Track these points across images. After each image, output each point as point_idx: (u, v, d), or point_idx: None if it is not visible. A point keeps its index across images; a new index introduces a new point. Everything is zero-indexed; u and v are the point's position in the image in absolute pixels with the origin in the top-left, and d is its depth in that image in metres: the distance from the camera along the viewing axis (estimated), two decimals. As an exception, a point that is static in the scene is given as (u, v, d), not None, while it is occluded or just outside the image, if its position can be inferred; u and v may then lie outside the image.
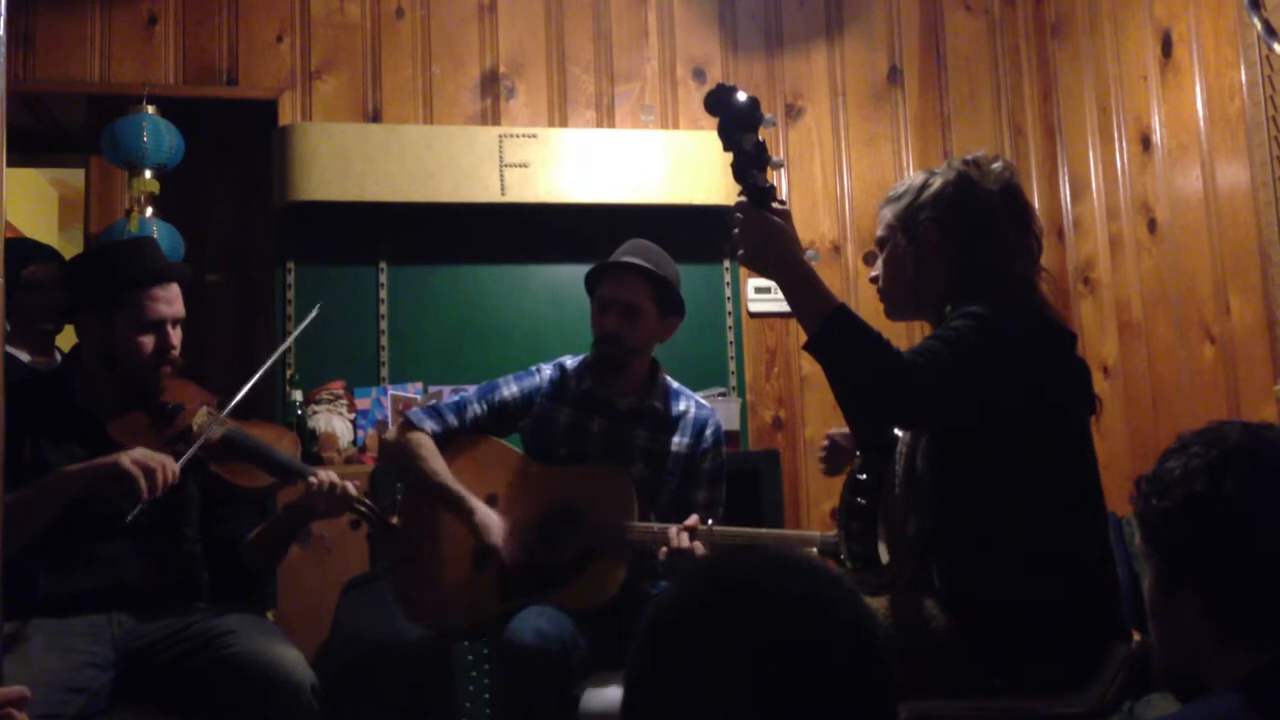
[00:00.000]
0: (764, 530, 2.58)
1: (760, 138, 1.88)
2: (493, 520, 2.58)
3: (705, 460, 2.75)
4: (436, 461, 2.66)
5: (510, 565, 2.55)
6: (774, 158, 1.90)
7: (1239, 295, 3.21)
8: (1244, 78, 3.15)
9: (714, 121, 1.90)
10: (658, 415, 2.74)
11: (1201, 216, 3.36)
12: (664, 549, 2.46)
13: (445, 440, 2.71)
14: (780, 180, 4.19)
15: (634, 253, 2.73)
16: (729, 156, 1.89)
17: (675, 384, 2.84)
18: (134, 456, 2.18)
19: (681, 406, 2.78)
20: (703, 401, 2.84)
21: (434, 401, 2.93)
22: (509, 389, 2.80)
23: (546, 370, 2.83)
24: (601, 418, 2.73)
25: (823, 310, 1.84)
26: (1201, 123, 3.35)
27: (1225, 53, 3.24)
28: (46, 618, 2.21)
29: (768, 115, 1.91)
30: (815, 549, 2.43)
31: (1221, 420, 1.33)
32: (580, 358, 2.83)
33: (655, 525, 2.52)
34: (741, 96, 1.88)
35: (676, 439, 2.73)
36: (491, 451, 2.75)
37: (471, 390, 2.84)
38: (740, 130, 1.86)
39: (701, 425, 2.76)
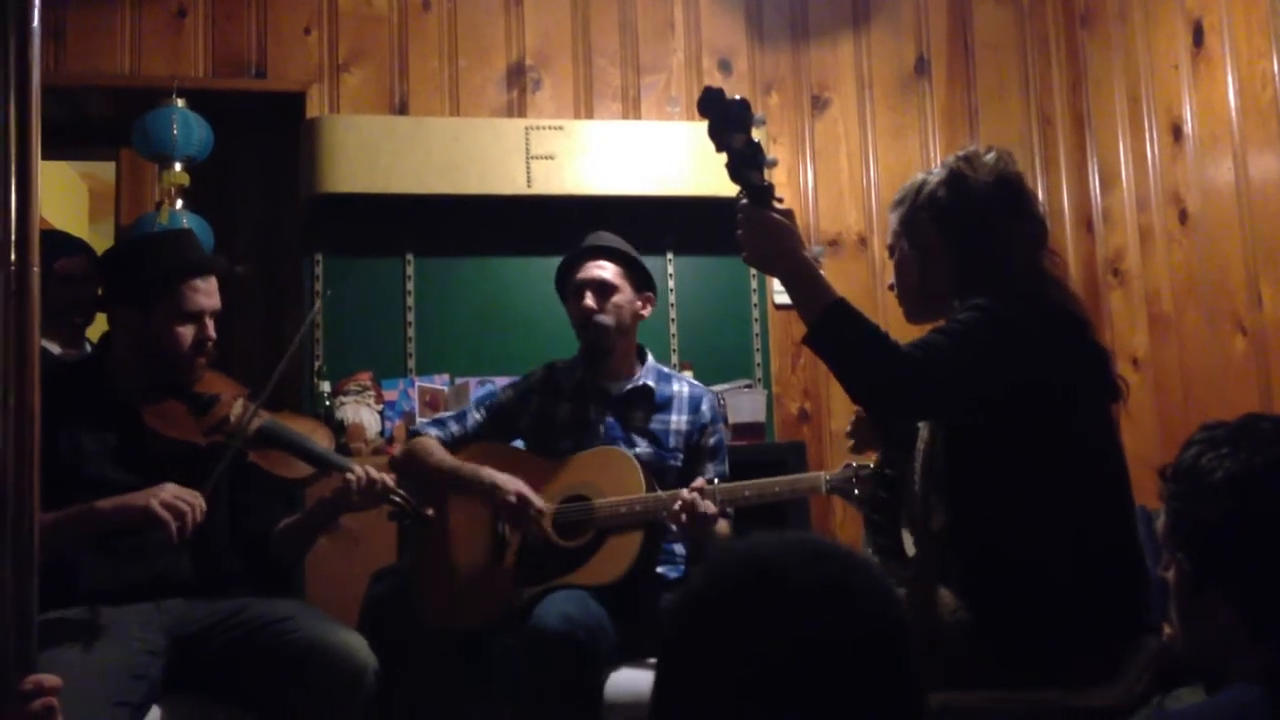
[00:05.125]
0: (771, 479, 2.56)
1: (755, 138, 1.90)
2: (509, 479, 2.60)
3: (706, 436, 2.82)
4: (442, 454, 2.72)
5: (543, 517, 2.57)
6: (768, 157, 1.92)
7: (1271, 286, 3.18)
8: (1276, 68, 3.12)
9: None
10: (653, 396, 2.81)
11: (1233, 207, 3.33)
12: (674, 510, 2.48)
13: (450, 446, 2.78)
14: (805, 173, 4.18)
15: (595, 239, 2.86)
16: (723, 158, 1.91)
17: (664, 367, 2.94)
18: (163, 499, 2.14)
19: (675, 387, 2.86)
20: (694, 381, 2.94)
21: (437, 416, 3.05)
22: (504, 394, 2.90)
23: (537, 372, 2.91)
24: (599, 405, 2.80)
25: (821, 304, 1.87)
26: (1233, 113, 3.32)
27: (1257, 42, 3.21)
28: (97, 606, 2.22)
29: (758, 115, 1.93)
30: (824, 487, 2.45)
31: (1252, 413, 1.31)
32: (568, 359, 2.91)
33: (663, 493, 2.56)
34: (731, 98, 1.89)
35: (675, 417, 2.80)
36: (496, 454, 2.79)
37: (470, 401, 2.94)
38: (730, 131, 1.88)
39: (697, 402, 2.84)
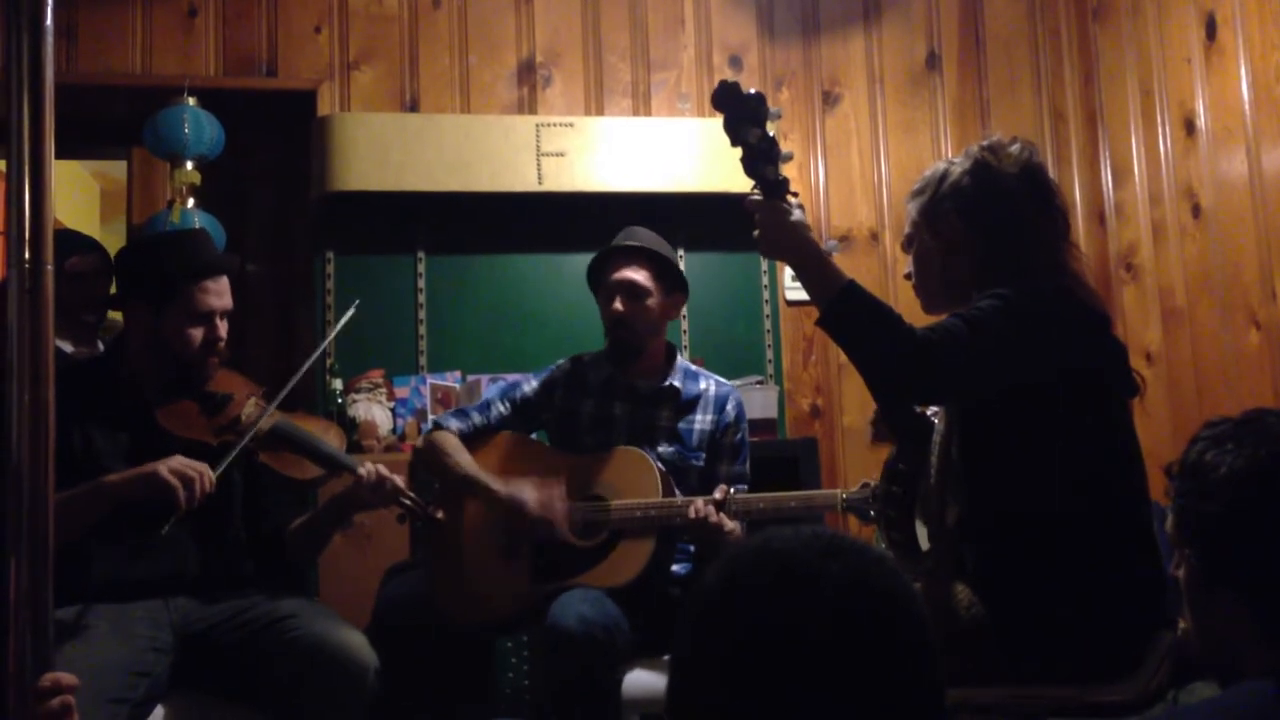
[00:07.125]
0: (787, 494, 2.58)
1: (770, 132, 1.89)
2: (522, 493, 2.58)
3: (728, 435, 2.80)
4: (461, 455, 2.70)
5: (562, 521, 2.56)
6: (783, 151, 1.91)
7: (1285, 281, 3.17)
8: (1290, 60, 3.11)
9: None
10: (679, 395, 2.80)
11: (1247, 201, 3.31)
12: (686, 516, 2.49)
13: (471, 438, 2.76)
14: (816, 168, 4.17)
15: (630, 237, 2.82)
16: (736, 152, 1.91)
17: (693, 365, 2.92)
18: (172, 466, 2.18)
19: (701, 385, 2.84)
20: (721, 380, 2.91)
21: (460, 406, 3.02)
22: (528, 385, 2.87)
23: (563, 364, 2.90)
24: (624, 402, 2.79)
25: (833, 287, 1.88)
26: (1246, 106, 3.30)
27: (1270, 34, 3.19)
28: (105, 603, 2.23)
29: (773, 109, 1.92)
30: (840, 505, 2.46)
31: (1257, 408, 1.31)
32: (595, 352, 2.89)
33: (679, 499, 2.56)
34: (747, 92, 1.89)
35: (699, 417, 2.79)
36: (516, 445, 2.80)
37: (494, 391, 2.91)
38: (746, 125, 1.88)
39: (723, 401, 2.82)
